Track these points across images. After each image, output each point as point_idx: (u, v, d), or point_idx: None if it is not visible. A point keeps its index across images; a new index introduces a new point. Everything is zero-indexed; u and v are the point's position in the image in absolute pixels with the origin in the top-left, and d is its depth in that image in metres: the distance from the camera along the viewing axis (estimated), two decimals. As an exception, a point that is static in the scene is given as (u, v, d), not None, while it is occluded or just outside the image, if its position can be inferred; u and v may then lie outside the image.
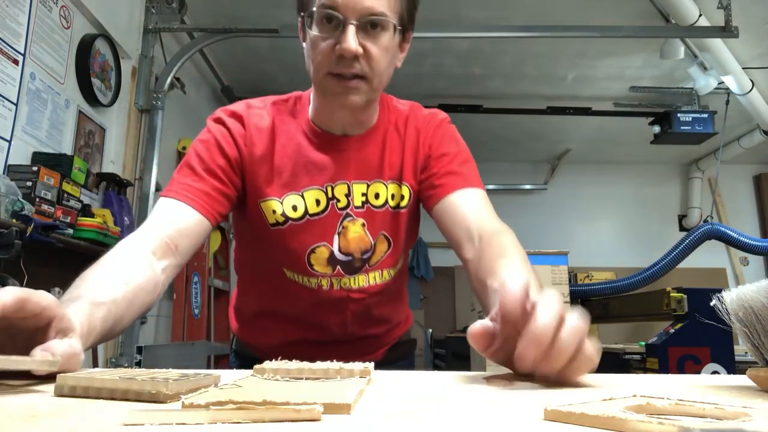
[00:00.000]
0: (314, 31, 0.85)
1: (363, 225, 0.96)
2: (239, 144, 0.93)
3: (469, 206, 0.92)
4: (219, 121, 0.95)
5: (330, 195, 0.95)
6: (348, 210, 0.96)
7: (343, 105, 0.88)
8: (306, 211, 0.94)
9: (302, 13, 0.88)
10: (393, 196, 0.98)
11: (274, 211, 0.93)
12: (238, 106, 0.97)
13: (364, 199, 0.96)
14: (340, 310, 1.00)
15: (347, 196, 0.95)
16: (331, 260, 0.96)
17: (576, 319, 0.50)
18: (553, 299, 0.52)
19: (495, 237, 0.85)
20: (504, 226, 0.90)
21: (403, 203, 0.98)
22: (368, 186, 0.97)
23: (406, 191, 0.99)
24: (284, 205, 0.93)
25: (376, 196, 0.97)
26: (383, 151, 0.98)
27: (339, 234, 0.95)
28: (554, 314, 0.50)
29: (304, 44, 0.89)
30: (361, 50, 0.83)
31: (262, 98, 1.01)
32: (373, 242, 0.97)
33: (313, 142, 0.95)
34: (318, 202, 0.94)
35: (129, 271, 0.72)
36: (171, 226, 0.83)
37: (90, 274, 0.69)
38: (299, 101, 1.00)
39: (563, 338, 0.49)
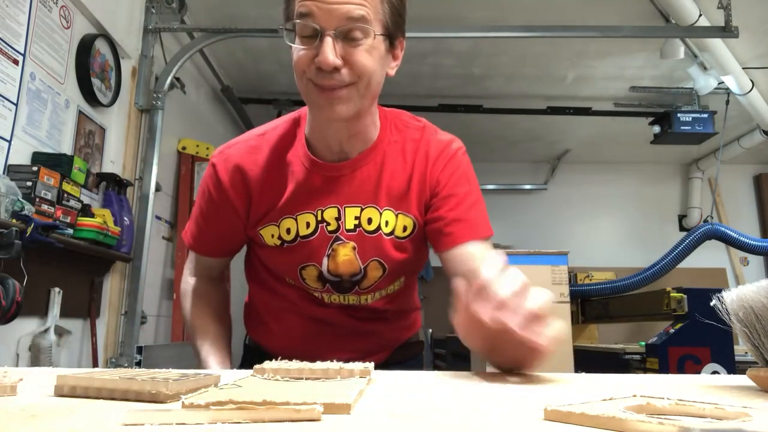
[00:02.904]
0: (294, 44, 0.84)
1: (354, 248, 0.97)
2: (242, 194, 0.98)
3: (472, 262, 0.97)
4: (222, 172, 0.98)
5: (320, 218, 0.96)
6: (338, 233, 0.96)
7: (330, 117, 0.87)
8: (297, 234, 0.97)
9: (282, 27, 0.87)
10: (387, 223, 0.97)
11: (272, 235, 0.98)
12: (238, 151, 0.99)
13: (356, 222, 0.96)
14: (337, 317, 1.04)
15: (337, 219, 0.96)
16: (321, 278, 0.99)
17: (538, 291, 0.56)
18: (517, 275, 0.57)
19: None
20: None
21: (405, 234, 0.98)
22: (362, 210, 0.96)
23: (409, 222, 0.98)
24: (281, 228, 0.97)
25: (369, 221, 0.97)
26: (381, 174, 0.96)
27: (328, 256, 0.97)
28: (500, 274, 0.57)
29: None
30: (339, 62, 0.81)
31: (261, 128, 1.02)
32: (362, 267, 0.98)
33: (308, 168, 0.96)
34: (308, 225, 0.96)
35: (214, 304, 1.09)
36: (209, 268, 1.11)
37: (198, 314, 1.06)
38: (298, 126, 1.00)
39: (516, 298, 0.55)
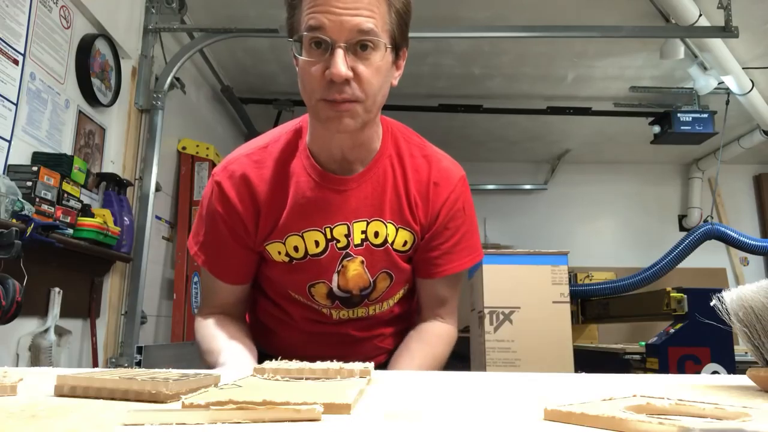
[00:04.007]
0: (304, 57, 0.83)
1: (362, 262, 0.97)
2: (250, 208, 0.96)
3: (444, 292, 1.05)
4: (228, 188, 0.96)
5: (329, 236, 0.95)
6: (348, 249, 0.96)
7: (338, 129, 0.87)
8: (306, 252, 0.96)
9: (291, 39, 0.86)
10: (389, 235, 0.97)
11: (279, 252, 0.97)
12: (242, 165, 0.97)
13: (363, 236, 0.96)
14: (342, 330, 1.04)
15: (347, 236, 0.95)
16: (330, 295, 0.99)
17: None
18: None
19: (432, 330, 1.05)
20: (453, 318, 1.08)
21: (405, 248, 0.99)
22: (368, 223, 0.96)
23: (410, 238, 0.98)
24: (287, 245, 0.96)
25: (376, 234, 0.96)
26: (384, 187, 0.97)
27: (338, 272, 0.97)
28: None
29: (297, 68, 0.88)
30: (350, 74, 0.81)
31: (263, 140, 1.01)
32: (372, 280, 0.98)
33: (314, 181, 0.95)
34: (317, 244, 0.95)
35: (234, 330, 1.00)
36: (227, 303, 1.05)
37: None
38: (300, 137, 0.99)
39: None
